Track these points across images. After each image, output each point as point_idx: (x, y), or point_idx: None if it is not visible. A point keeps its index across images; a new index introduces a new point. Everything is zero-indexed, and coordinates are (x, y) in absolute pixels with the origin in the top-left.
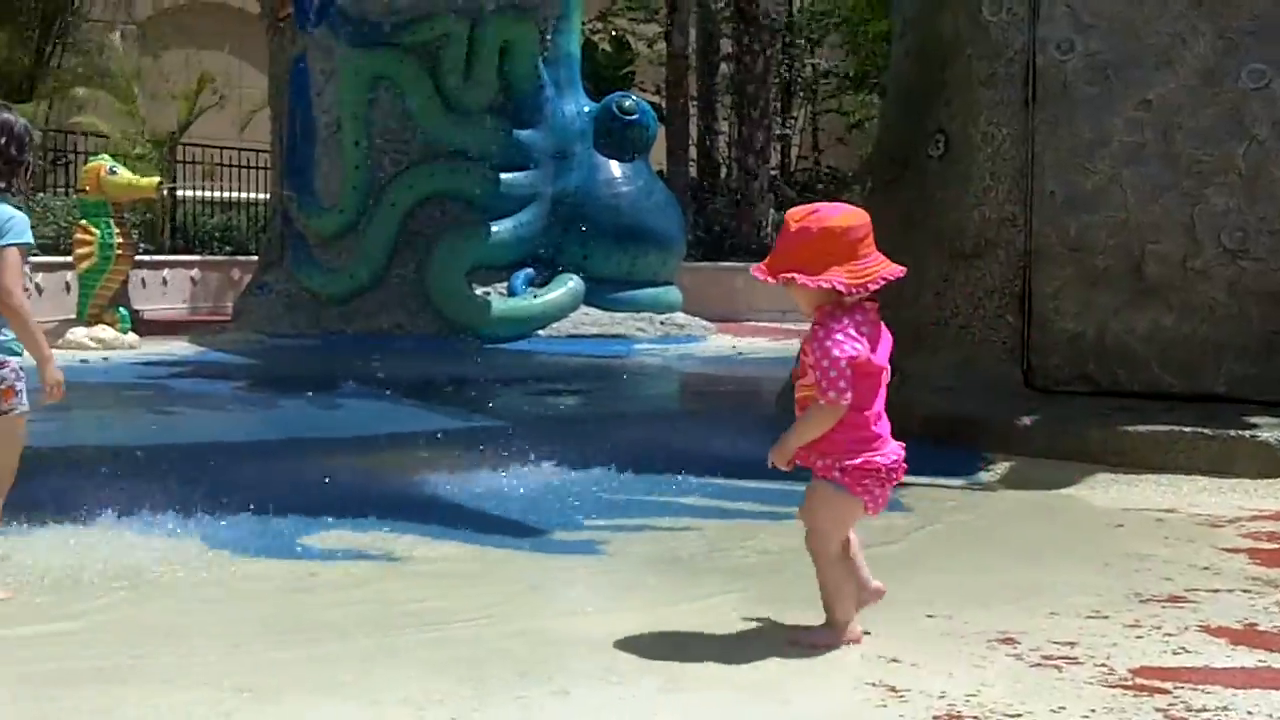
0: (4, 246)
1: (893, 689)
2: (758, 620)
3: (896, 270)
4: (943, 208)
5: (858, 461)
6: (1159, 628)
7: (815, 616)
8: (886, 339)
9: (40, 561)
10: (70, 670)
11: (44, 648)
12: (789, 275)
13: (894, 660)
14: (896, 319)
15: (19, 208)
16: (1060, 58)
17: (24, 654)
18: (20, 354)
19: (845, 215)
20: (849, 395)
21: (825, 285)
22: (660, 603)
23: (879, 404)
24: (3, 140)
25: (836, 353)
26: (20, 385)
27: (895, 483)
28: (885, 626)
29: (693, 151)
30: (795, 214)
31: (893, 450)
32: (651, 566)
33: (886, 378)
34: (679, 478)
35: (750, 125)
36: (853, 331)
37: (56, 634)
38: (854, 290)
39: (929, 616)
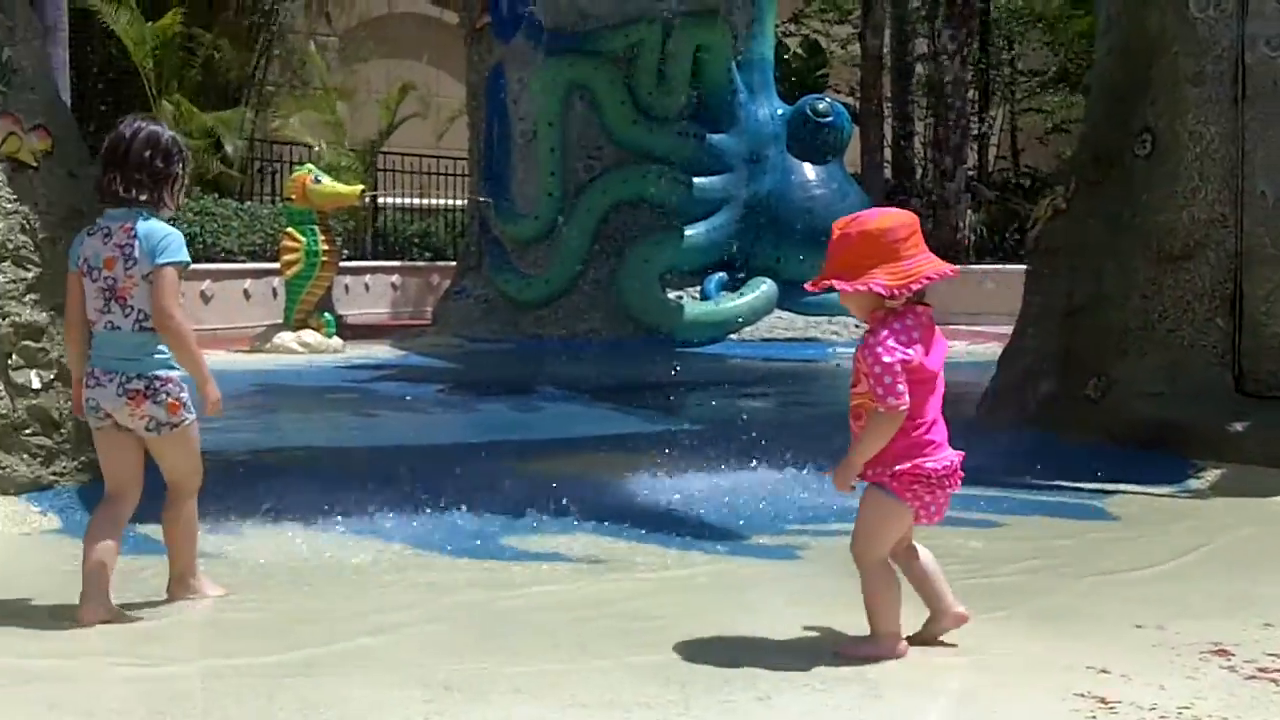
0: (160, 266)
1: (1103, 700)
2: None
3: (944, 268)
4: (1149, 209)
5: (907, 467)
6: None
7: (1010, 621)
8: (941, 344)
9: (250, 559)
10: (281, 665)
11: (255, 643)
12: (827, 282)
13: (1103, 671)
14: (1101, 323)
15: (173, 222)
16: (1270, 54)
17: (237, 648)
18: (180, 372)
19: (885, 217)
20: (906, 399)
21: (862, 288)
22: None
23: (933, 410)
24: (148, 153)
25: (887, 358)
26: (184, 397)
27: (951, 490)
28: (1093, 637)
29: (887, 153)
30: (839, 223)
31: (946, 456)
32: (851, 572)
33: (941, 385)
34: None
35: (946, 126)
36: (903, 336)
37: (267, 629)
38: (894, 291)
39: (1138, 627)
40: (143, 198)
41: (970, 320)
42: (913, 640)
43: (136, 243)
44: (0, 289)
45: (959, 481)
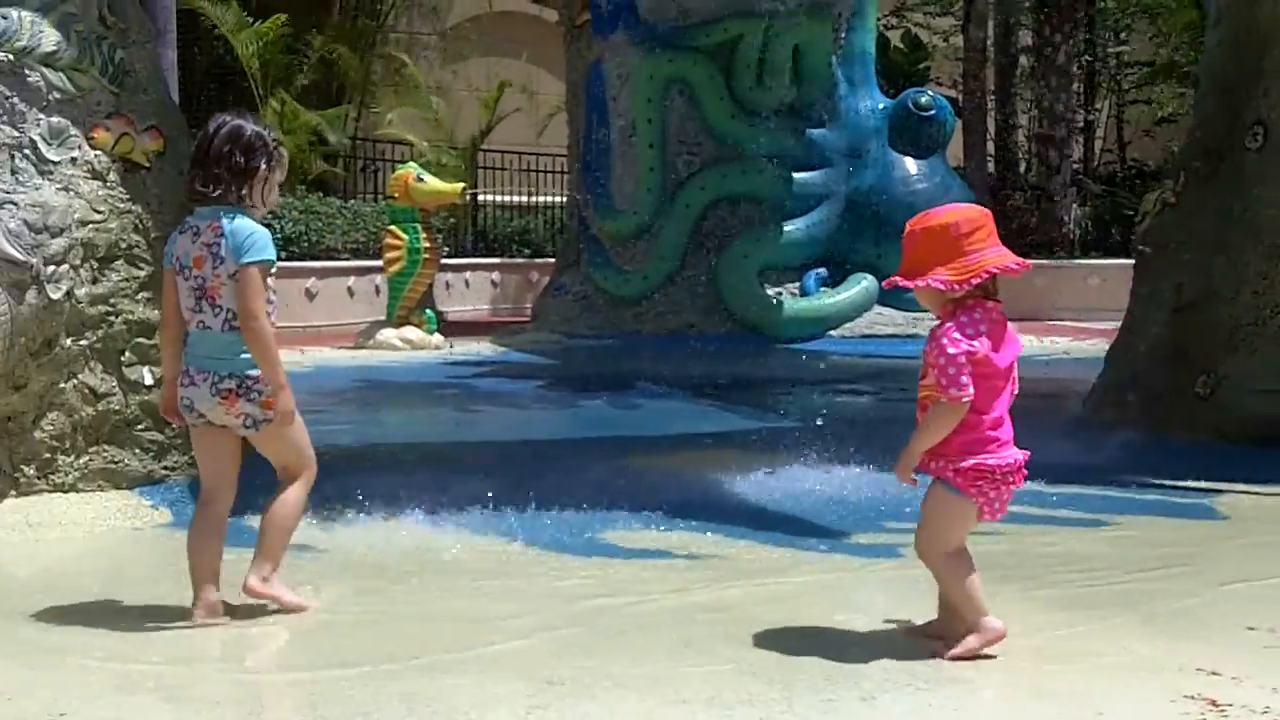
0: (245, 265)
1: (1213, 703)
2: (1064, 627)
3: (1007, 261)
4: (1261, 202)
5: (971, 463)
6: None
7: (1118, 621)
8: (1013, 341)
9: (352, 554)
10: (386, 660)
11: (359, 639)
12: (892, 280)
13: (1214, 673)
14: (1211, 319)
15: (276, 220)
16: None
17: (341, 646)
18: None
19: (950, 213)
20: (970, 390)
21: (922, 284)
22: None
23: (1000, 408)
24: (227, 148)
25: (952, 350)
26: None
27: (1014, 486)
28: (1203, 639)
29: (991, 147)
30: (911, 221)
31: (1011, 454)
32: None
33: (1011, 384)
34: None
35: (1051, 118)
36: (970, 330)
37: (366, 622)
38: (954, 286)
39: (1250, 629)
40: (222, 193)
41: (1076, 316)
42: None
43: (223, 241)
44: (114, 287)
45: (1022, 479)
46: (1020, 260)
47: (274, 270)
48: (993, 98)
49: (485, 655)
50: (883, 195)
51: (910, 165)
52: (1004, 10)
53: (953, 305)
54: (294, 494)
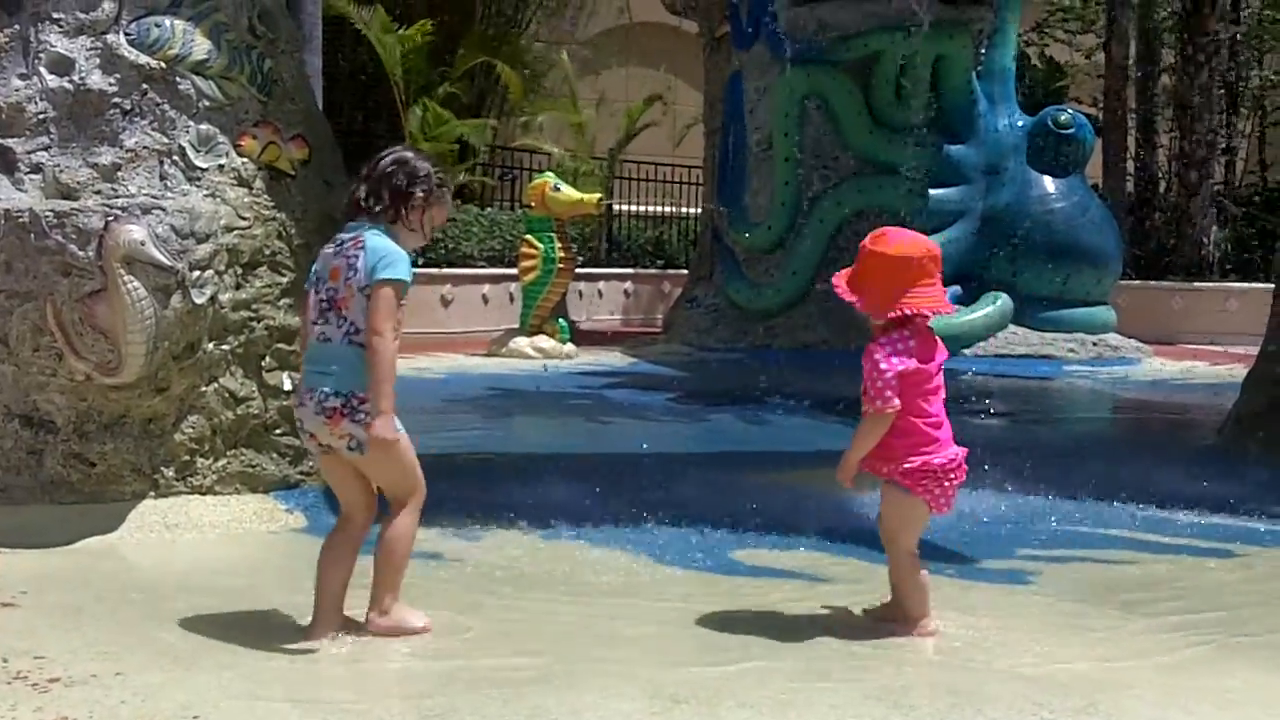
0: (379, 282)
1: None
2: (1196, 657)
3: (936, 307)
4: None
5: (916, 464)
6: None
7: (1250, 651)
8: (940, 348)
9: (486, 562)
10: (514, 673)
11: (487, 650)
12: (838, 277)
13: None
14: None
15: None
16: None
17: (470, 654)
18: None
19: (900, 246)
20: (895, 403)
21: (855, 305)
22: (1091, 636)
23: (936, 411)
24: (392, 168)
25: (884, 367)
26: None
27: (956, 482)
28: None
29: (1130, 166)
30: (873, 236)
31: (950, 452)
32: (1082, 599)
33: (938, 386)
34: (1113, 508)
35: (1192, 138)
36: (900, 346)
37: (494, 634)
38: (877, 315)
39: None
40: (380, 211)
41: (1213, 340)
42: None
43: (362, 255)
44: (256, 293)
45: (963, 474)
46: (948, 306)
47: (406, 297)
48: (1133, 116)
49: (610, 670)
50: (1020, 213)
51: (1048, 184)
52: (1146, 29)
53: (885, 321)
54: (403, 522)
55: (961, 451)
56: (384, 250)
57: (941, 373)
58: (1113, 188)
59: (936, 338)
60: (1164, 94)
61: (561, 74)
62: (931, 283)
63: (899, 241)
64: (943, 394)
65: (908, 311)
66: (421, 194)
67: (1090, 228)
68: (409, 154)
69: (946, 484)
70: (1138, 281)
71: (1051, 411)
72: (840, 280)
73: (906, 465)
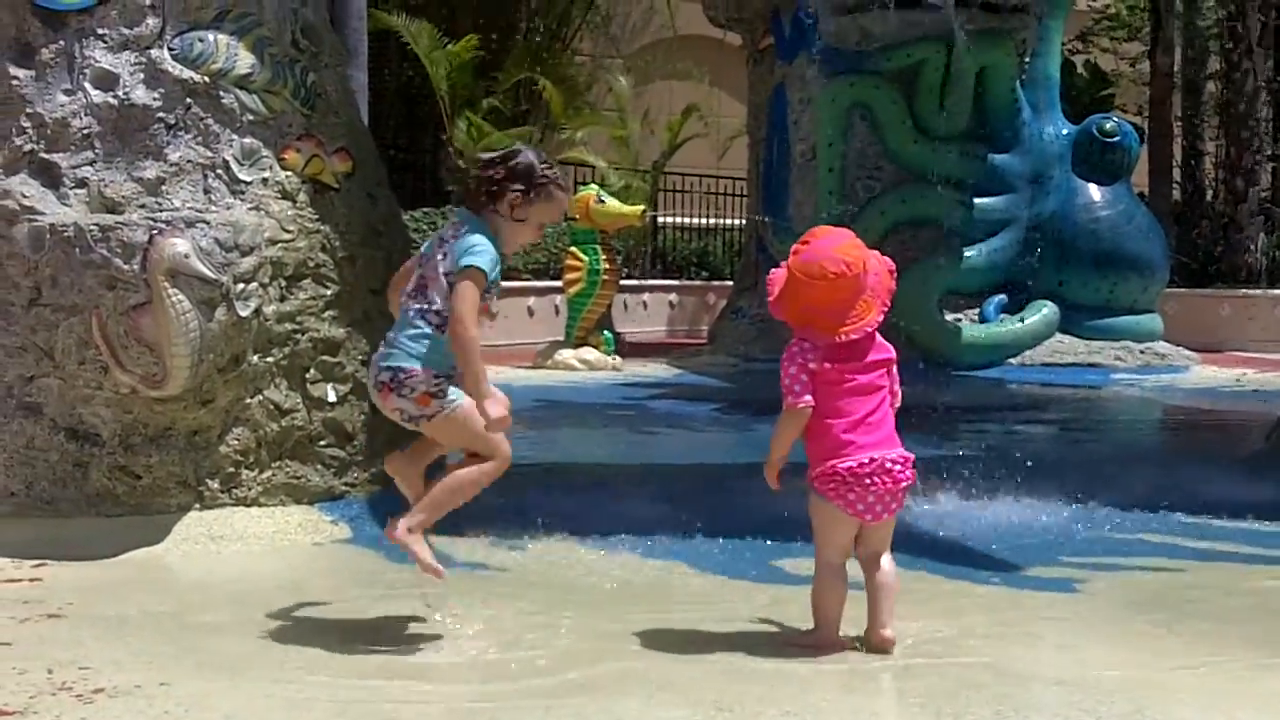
0: (462, 269)
1: None
2: (1243, 663)
3: (847, 332)
4: None
5: (823, 469)
6: None
7: None
8: (880, 348)
9: (533, 571)
10: (556, 682)
11: (533, 655)
12: (772, 274)
13: None
14: None
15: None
16: None
17: (516, 661)
18: (438, 368)
19: (830, 264)
20: (805, 399)
21: (777, 314)
22: (1136, 644)
23: (854, 413)
24: (499, 162)
25: (792, 367)
26: (435, 389)
27: (880, 488)
28: None
29: (1176, 174)
30: (802, 243)
31: (865, 454)
32: (1129, 606)
33: (869, 386)
34: (1160, 515)
35: (1239, 146)
36: (807, 345)
37: (535, 642)
38: (792, 325)
39: None
40: (483, 202)
41: (1261, 348)
42: (859, 640)
43: (455, 242)
44: (300, 305)
45: (893, 479)
46: (859, 330)
47: (492, 289)
48: (1179, 124)
49: (654, 678)
50: (1065, 222)
51: (1094, 192)
52: (1192, 36)
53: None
54: (478, 468)
55: (894, 454)
56: (474, 240)
57: (886, 374)
58: (1159, 195)
59: (876, 339)
60: (1211, 102)
61: (605, 87)
62: (849, 307)
63: (831, 261)
64: (881, 396)
65: (831, 337)
66: (519, 189)
67: (1136, 235)
68: (518, 149)
69: (861, 489)
70: (1184, 289)
71: (1097, 419)
72: (772, 279)
73: (818, 469)
